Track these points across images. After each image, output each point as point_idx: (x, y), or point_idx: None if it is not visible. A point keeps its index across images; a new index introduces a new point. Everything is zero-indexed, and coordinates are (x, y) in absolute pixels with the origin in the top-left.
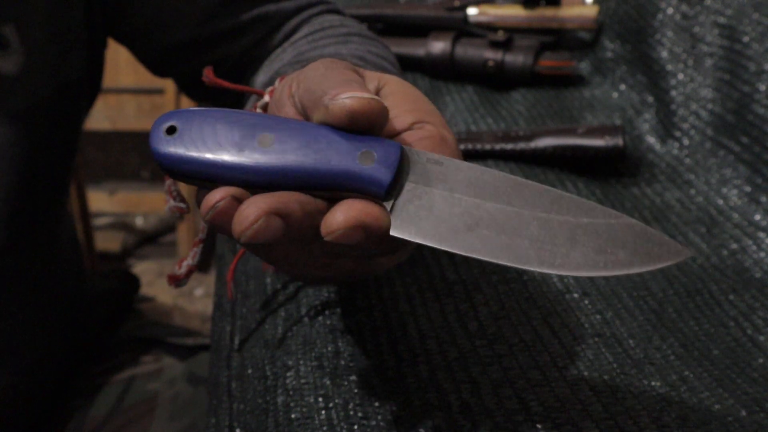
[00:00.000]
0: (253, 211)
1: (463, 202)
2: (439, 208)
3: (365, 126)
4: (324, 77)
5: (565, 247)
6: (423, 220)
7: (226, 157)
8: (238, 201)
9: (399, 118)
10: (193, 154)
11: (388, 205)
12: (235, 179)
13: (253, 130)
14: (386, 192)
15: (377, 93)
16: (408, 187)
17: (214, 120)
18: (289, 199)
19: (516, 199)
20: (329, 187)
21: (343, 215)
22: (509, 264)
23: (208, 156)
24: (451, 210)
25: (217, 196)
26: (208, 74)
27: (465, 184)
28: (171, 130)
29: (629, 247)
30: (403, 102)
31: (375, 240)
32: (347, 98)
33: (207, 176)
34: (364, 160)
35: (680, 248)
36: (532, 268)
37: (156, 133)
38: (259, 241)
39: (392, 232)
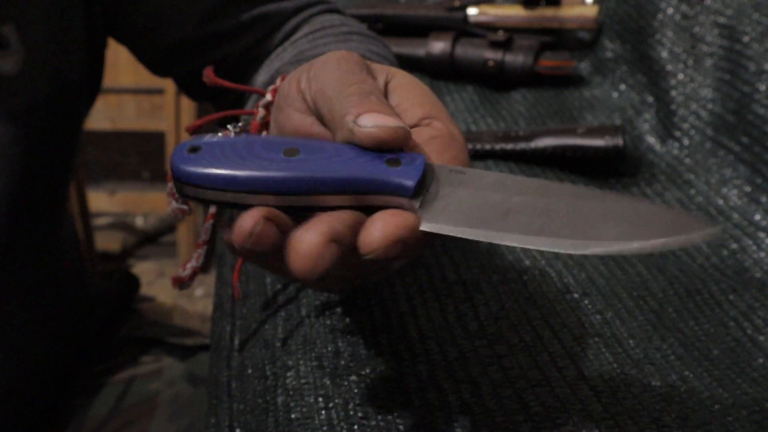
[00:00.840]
0: (310, 239)
1: (491, 198)
2: (467, 204)
3: (390, 148)
4: (340, 84)
5: (600, 224)
6: (453, 213)
7: (252, 169)
8: (272, 221)
9: (408, 112)
10: (217, 170)
11: (416, 202)
12: (261, 189)
13: (277, 145)
14: (414, 190)
15: (385, 86)
16: (434, 188)
17: (237, 140)
18: (338, 221)
19: (542, 193)
20: (357, 192)
21: (380, 233)
22: (545, 248)
23: (233, 170)
24: (480, 204)
25: (250, 222)
26: (208, 74)
27: (490, 186)
28: (194, 149)
29: (661, 223)
30: (411, 95)
31: (411, 250)
32: (374, 128)
33: (232, 189)
34: (391, 164)
35: (709, 224)
36: (568, 250)
37: (178, 153)
38: (319, 272)
39: (423, 227)
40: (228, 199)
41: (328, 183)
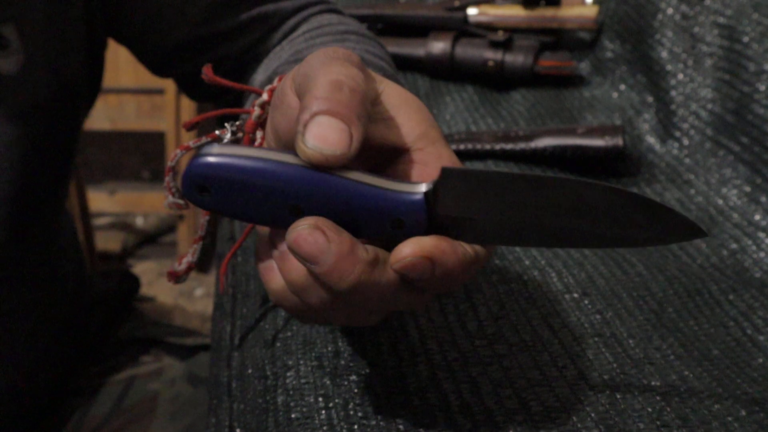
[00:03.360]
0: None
1: (499, 224)
2: (476, 231)
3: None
4: (323, 65)
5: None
6: (464, 238)
7: (260, 221)
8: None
9: (403, 127)
10: (228, 214)
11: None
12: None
13: (282, 201)
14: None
15: (377, 99)
16: (443, 222)
17: (244, 186)
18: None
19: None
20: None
21: (412, 246)
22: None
23: (243, 218)
24: (489, 231)
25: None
26: (207, 72)
27: (498, 209)
28: (202, 189)
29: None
30: (406, 110)
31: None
32: (314, 152)
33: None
34: (396, 227)
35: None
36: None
37: (188, 188)
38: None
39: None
40: None
41: None
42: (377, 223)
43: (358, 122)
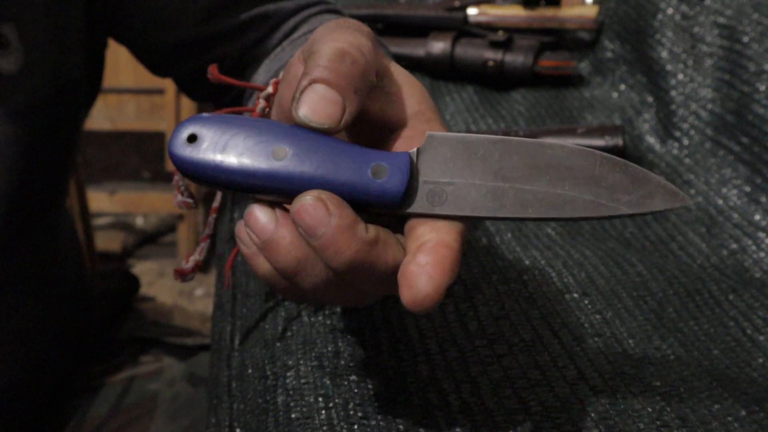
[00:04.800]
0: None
1: (481, 188)
2: (458, 197)
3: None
4: (331, 32)
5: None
6: (445, 206)
7: (243, 166)
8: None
9: (404, 102)
10: (210, 171)
11: (405, 207)
12: (253, 187)
13: (269, 143)
14: (402, 201)
15: (386, 71)
16: (423, 189)
17: (231, 129)
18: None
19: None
20: (344, 198)
21: (429, 285)
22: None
23: (225, 175)
24: (471, 196)
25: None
26: (212, 71)
27: (480, 171)
28: (191, 138)
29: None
30: (408, 88)
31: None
32: (306, 119)
33: (225, 183)
34: (376, 174)
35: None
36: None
37: (176, 140)
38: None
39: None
40: (218, 189)
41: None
42: (359, 168)
43: (354, 96)
